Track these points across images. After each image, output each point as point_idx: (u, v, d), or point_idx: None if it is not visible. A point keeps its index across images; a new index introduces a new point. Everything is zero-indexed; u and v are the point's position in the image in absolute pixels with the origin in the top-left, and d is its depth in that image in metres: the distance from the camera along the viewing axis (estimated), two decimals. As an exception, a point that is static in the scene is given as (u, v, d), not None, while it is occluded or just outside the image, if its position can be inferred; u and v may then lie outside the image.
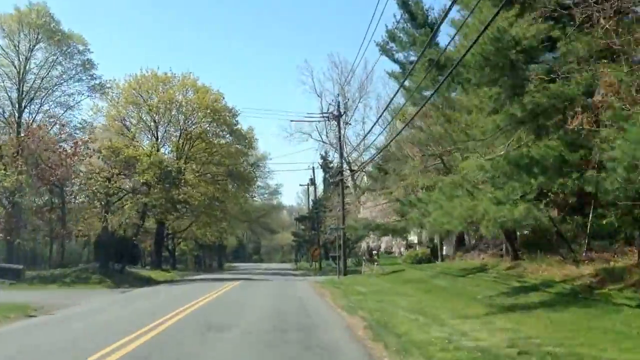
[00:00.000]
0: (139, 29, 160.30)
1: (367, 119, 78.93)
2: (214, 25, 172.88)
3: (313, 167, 68.67)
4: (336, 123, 44.68)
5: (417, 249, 76.20)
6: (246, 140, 57.10)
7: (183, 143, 56.14)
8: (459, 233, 39.42)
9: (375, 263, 44.43)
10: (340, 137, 41.32)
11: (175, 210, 42.95)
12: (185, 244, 71.90)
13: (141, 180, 39.34)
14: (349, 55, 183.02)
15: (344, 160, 48.62)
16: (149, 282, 39.42)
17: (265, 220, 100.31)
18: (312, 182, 68.33)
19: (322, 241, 72.44)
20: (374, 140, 76.69)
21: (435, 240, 62.34)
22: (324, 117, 42.57)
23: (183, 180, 43.52)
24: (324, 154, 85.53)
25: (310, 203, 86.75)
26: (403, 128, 30.43)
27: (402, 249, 62.76)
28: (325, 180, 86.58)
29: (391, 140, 34.73)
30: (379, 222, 40.25)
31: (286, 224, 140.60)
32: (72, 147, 35.84)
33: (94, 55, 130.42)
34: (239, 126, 56.46)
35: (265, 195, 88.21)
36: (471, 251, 35.60)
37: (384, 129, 54.88)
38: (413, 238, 65.32)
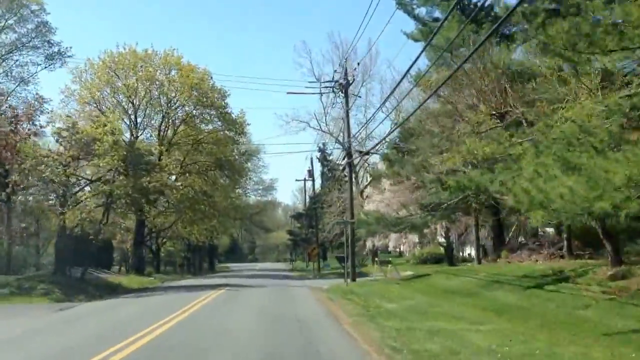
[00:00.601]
0: (118, 7, 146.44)
1: (371, 105, 70.94)
2: (201, 7, 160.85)
3: (311, 158, 61.14)
4: (340, 102, 36.79)
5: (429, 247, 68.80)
6: (237, 126, 48.98)
7: (165, 129, 48.06)
8: (496, 229, 31.60)
9: (389, 265, 36.37)
10: (347, 112, 33.28)
11: (149, 202, 34.79)
12: (172, 244, 63.59)
13: (106, 166, 31.17)
14: (350, 34, 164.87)
15: (346, 147, 40.57)
16: (115, 290, 31.37)
17: (260, 218, 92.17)
18: (310, 174, 60.39)
19: (320, 240, 64.54)
20: (382, 120, 68.28)
21: (452, 238, 54.88)
22: (327, 87, 34.30)
23: (158, 167, 35.33)
24: (322, 146, 77.72)
25: (307, 199, 78.83)
26: (436, 90, 22.49)
27: (415, 248, 54.90)
28: (323, 174, 78.53)
29: (415, 111, 26.81)
30: (398, 216, 32.42)
31: (281, 223, 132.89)
32: (12, 121, 27.56)
33: (57, 22, 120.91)
34: (228, 109, 48.46)
35: (259, 191, 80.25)
36: (518, 251, 27.70)
37: (389, 113, 47.20)
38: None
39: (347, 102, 32.93)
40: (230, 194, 52.56)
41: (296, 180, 79.67)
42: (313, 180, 60.58)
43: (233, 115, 49.06)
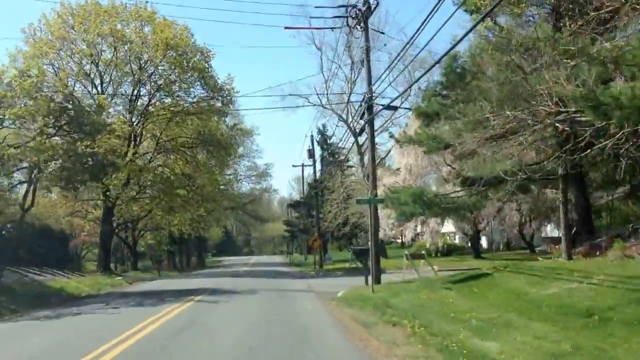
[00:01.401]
0: None
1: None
2: None
3: (312, 136, 51.24)
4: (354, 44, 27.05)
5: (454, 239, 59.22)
6: (223, 93, 39.20)
7: (136, 97, 38.26)
8: (582, 210, 22.08)
9: (421, 260, 26.76)
10: (367, 49, 23.41)
11: (93, 178, 24.91)
12: (153, 236, 53.71)
13: (29, 126, 21.34)
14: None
15: (367, 99, 31.37)
16: (47, 301, 21.67)
17: (254, 208, 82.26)
18: (311, 154, 50.63)
19: (320, 230, 55.07)
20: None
21: (484, 227, 45.41)
22: (340, 16, 24.24)
23: (107, 128, 25.37)
24: (321, 128, 67.92)
25: (305, 187, 69.22)
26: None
27: (438, 240, 45.51)
28: (323, 159, 68.85)
29: (467, 33, 17.22)
30: (441, 194, 23.06)
31: (277, 215, 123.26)
32: None
33: None
34: (212, 73, 38.66)
35: (253, 178, 70.35)
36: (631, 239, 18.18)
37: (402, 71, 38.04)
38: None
39: (367, 37, 23.13)
40: (216, 177, 42.69)
41: (293, 166, 70.21)
42: (314, 161, 50.92)
43: (218, 81, 39.25)
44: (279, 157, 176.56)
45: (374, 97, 24.17)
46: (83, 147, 21.35)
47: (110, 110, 36.50)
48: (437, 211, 22.44)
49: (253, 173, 69.82)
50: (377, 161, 58.24)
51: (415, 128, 28.28)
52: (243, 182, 69.78)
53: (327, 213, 57.58)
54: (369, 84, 23.63)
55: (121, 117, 34.73)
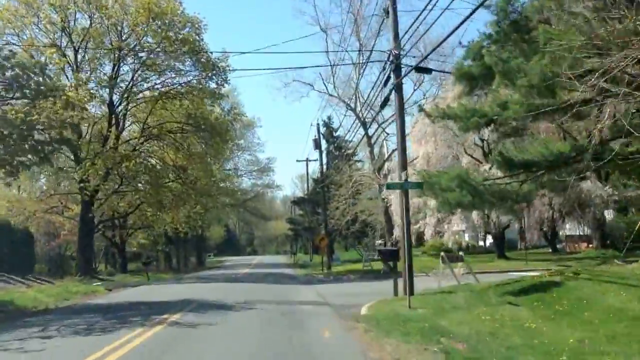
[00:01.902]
0: None
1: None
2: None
3: (318, 124, 45.73)
4: None
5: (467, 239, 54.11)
6: (217, 71, 33.83)
7: (117, 73, 32.96)
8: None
9: (459, 263, 21.33)
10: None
11: (42, 160, 19.37)
12: (145, 235, 48.31)
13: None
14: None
15: (393, 57, 26.32)
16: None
17: (256, 205, 76.84)
18: (317, 144, 45.20)
19: (331, 225, 49.80)
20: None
21: (518, 225, 39.95)
22: None
23: (57, 93, 19.80)
24: (327, 120, 62.54)
25: (310, 183, 63.81)
26: None
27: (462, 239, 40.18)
28: (328, 153, 63.51)
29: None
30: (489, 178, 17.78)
31: (280, 214, 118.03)
32: None
33: None
34: (204, 45, 33.30)
35: (255, 173, 64.94)
36: None
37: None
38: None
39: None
40: (211, 168, 37.30)
41: (297, 160, 65.10)
42: (320, 152, 45.49)
43: (211, 57, 33.89)
44: (282, 154, 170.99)
45: (401, 56, 18.72)
46: (21, 114, 15.94)
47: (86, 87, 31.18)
48: (489, 200, 17.03)
49: (254, 168, 64.58)
50: (388, 154, 53.05)
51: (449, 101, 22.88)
52: (244, 178, 64.50)
53: (334, 210, 52.25)
54: (396, 37, 18.23)
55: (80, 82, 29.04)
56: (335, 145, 64.20)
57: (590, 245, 50.57)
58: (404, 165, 18.25)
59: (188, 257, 63.43)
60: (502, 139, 20.62)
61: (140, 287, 29.15)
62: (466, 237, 58.80)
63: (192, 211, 46.37)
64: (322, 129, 59.89)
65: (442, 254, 20.98)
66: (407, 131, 43.93)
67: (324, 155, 48.54)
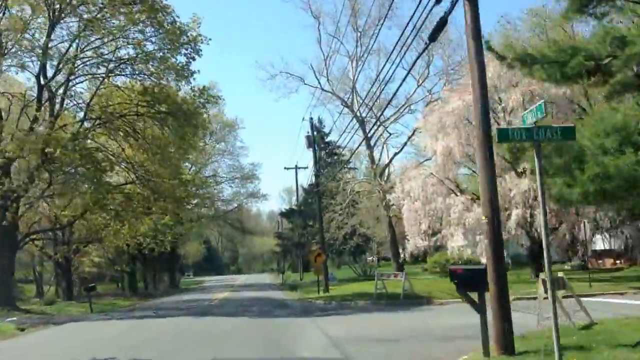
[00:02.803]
0: None
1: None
2: None
3: (311, 119, 37.24)
4: None
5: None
6: (186, 39, 25.54)
7: (49, 33, 24.49)
8: None
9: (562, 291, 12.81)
10: None
11: None
12: (100, 253, 39.04)
13: None
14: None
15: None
16: None
17: (240, 218, 67.94)
18: (310, 141, 36.80)
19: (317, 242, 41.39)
20: None
21: (574, 232, 31.66)
22: None
23: None
24: (317, 124, 54.05)
25: (300, 193, 55.37)
26: None
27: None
28: (320, 160, 55.12)
29: None
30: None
31: (267, 230, 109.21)
32: None
33: None
34: (168, 6, 24.98)
35: (237, 181, 56.27)
36: None
37: None
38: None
39: None
40: (176, 162, 28.60)
41: (285, 168, 56.23)
42: (314, 150, 37.13)
43: (179, 25, 25.60)
44: (268, 162, 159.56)
45: None
46: None
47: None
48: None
49: (237, 175, 55.90)
50: (390, 157, 44.87)
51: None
52: (224, 185, 55.80)
53: (329, 222, 43.91)
54: None
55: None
56: (328, 151, 56.02)
57: (619, 262, 43.00)
58: (483, 105, 10.09)
59: (159, 278, 54.45)
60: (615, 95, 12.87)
61: (66, 325, 20.33)
62: (469, 252, 51.21)
63: (160, 223, 37.99)
64: (314, 131, 51.55)
65: (540, 276, 12.61)
66: (416, 125, 35.88)
67: (316, 155, 40.21)
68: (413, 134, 38.42)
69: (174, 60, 26.27)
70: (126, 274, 47.03)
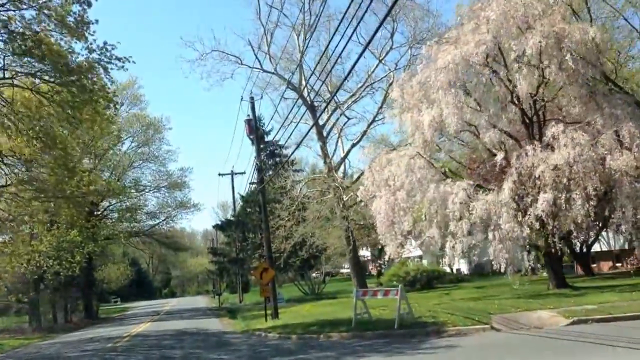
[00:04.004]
0: None
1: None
2: None
3: (251, 98, 28.35)
4: None
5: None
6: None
7: None
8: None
9: None
10: None
11: None
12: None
13: None
14: None
15: None
16: None
17: (170, 234, 58.03)
18: (251, 127, 27.89)
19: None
20: None
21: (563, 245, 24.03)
22: None
23: None
24: (262, 126, 45.29)
25: (239, 203, 46.51)
26: None
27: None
28: (260, 151, 46.25)
29: None
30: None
31: (202, 251, 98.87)
32: None
33: None
34: None
35: (163, 190, 46.72)
36: None
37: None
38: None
39: None
40: (65, 147, 19.29)
41: (219, 174, 47.02)
42: (257, 138, 28.61)
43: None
44: (200, 169, 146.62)
45: None
46: None
47: None
48: None
49: (163, 183, 46.37)
50: (349, 148, 36.96)
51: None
52: (148, 195, 46.16)
53: (275, 229, 35.15)
54: None
55: None
56: (269, 152, 47.57)
57: (619, 265, 36.78)
58: None
59: (74, 307, 44.08)
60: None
61: None
62: (424, 263, 44.51)
63: (65, 239, 29.02)
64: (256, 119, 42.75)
65: None
66: (391, 94, 27.78)
67: (254, 169, 31.59)
68: (380, 110, 30.78)
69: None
70: (29, 304, 36.96)
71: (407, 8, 31.01)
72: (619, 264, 35.89)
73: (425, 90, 21.86)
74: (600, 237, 32.09)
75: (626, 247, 35.21)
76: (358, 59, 49.34)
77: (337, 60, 28.14)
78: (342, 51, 36.72)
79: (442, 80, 19.97)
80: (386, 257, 31.04)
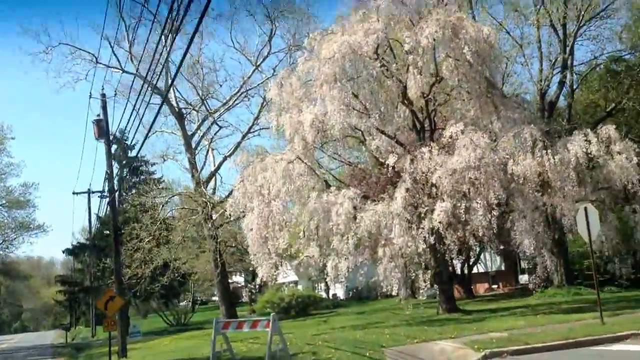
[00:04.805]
0: None
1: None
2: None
3: (103, 94, 23.51)
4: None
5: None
6: None
7: None
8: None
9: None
10: None
11: None
12: None
13: None
14: None
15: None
16: None
17: (15, 262, 49.77)
18: (102, 130, 23.22)
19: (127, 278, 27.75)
20: None
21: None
22: None
23: None
24: (119, 134, 39.71)
25: (95, 224, 40.44)
26: None
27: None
28: (122, 180, 40.56)
29: None
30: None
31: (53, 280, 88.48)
32: None
33: None
34: None
35: (1, 209, 39.35)
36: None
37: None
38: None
39: None
40: None
41: (74, 193, 40.25)
42: (109, 142, 23.56)
43: None
44: (51, 191, 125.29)
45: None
46: None
47: None
48: None
49: (1, 201, 39.14)
50: (220, 161, 32.94)
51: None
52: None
53: (132, 253, 29.92)
54: None
55: None
56: (132, 168, 42.34)
57: (495, 286, 35.85)
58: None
59: None
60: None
61: None
62: (300, 288, 42.05)
63: None
64: (114, 148, 37.08)
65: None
66: (268, 94, 24.08)
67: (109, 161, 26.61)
68: (256, 121, 27.36)
69: None
70: None
71: (285, 13, 28.24)
72: (494, 286, 35.05)
73: (307, 88, 18.87)
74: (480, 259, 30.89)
75: (503, 268, 34.63)
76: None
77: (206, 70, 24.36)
78: (214, 55, 32.66)
79: (326, 72, 17.00)
80: (258, 281, 27.36)
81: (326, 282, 41.61)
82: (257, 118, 30.07)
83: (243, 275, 54.97)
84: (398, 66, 17.45)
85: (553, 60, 23.74)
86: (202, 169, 31.47)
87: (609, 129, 15.65)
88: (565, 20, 22.95)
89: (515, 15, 24.19)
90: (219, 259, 28.16)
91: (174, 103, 30.87)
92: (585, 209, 11.87)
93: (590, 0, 22.14)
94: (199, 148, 32.04)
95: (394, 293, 15.97)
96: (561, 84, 24.08)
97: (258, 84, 30.46)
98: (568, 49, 23.20)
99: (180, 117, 31.09)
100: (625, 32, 23.65)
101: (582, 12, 22.52)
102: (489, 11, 24.12)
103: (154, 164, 40.02)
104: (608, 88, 24.34)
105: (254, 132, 30.87)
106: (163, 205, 30.48)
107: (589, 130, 15.67)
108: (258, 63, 29.39)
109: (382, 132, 18.43)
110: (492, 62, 17.63)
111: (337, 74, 16.77)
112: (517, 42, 24.13)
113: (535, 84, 23.65)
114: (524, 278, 32.37)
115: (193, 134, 31.50)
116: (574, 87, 24.70)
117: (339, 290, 46.23)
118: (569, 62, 23.60)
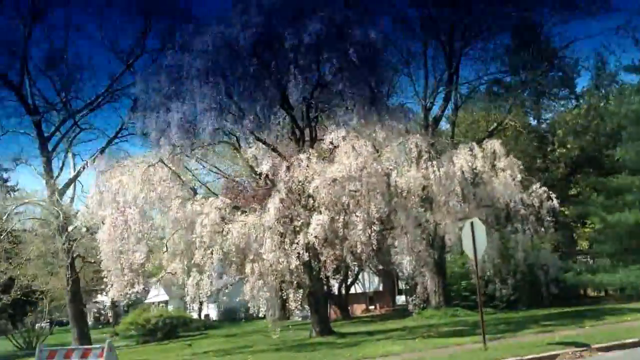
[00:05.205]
0: None
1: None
2: None
3: None
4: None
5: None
6: None
7: None
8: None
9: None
10: None
11: None
12: None
13: None
14: None
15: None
16: None
17: None
18: None
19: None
20: None
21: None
22: None
23: None
24: None
25: None
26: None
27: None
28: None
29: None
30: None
31: None
32: None
33: None
34: None
35: None
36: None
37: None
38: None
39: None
40: None
41: None
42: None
43: None
44: None
45: None
46: None
47: None
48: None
49: None
50: (82, 165, 29.42)
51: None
52: None
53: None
54: None
55: None
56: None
57: (372, 307, 35.01)
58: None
59: None
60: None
61: None
62: (170, 308, 39.49)
63: None
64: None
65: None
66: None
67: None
68: (125, 125, 24.48)
69: None
70: None
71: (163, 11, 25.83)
72: (372, 307, 34.32)
73: (176, 87, 16.67)
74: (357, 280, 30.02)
75: (381, 288, 34.02)
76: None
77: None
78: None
79: (198, 66, 15.00)
80: (110, 300, 24.39)
81: (200, 302, 39.27)
82: (125, 122, 27.22)
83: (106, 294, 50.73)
84: (278, 65, 15.85)
85: (439, 77, 23.42)
86: (58, 175, 27.81)
87: (494, 144, 15.13)
88: (451, 38, 22.67)
89: (403, 27, 23.64)
90: (70, 275, 24.79)
91: (28, 100, 27.17)
92: (472, 223, 10.91)
93: (474, 19, 22.06)
94: (56, 151, 28.40)
95: (261, 314, 14.18)
96: (446, 101, 23.83)
97: (128, 85, 27.61)
98: (454, 65, 22.96)
99: (34, 110, 27.27)
100: (508, 54, 24.01)
101: (466, 31, 22.42)
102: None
103: (6, 169, 35.26)
104: (490, 108, 24.62)
105: (122, 137, 27.91)
106: (8, 214, 26.45)
107: (474, 144, 15.02)
108: (130, 62, 26.56)
109: (259, 139, 16.72)
110: (379, 69, 16.59)
111: (210, 69, 14.88)
112: (402, 56, 23.52)
113: (420, 100, 23.15)
114: (401, 299, 32.07)
115: (51, 136, 27.78)
116: (459, 105, 24.62)
117: (212, 311, 43.74)
118: (454, 79, 23.40)
